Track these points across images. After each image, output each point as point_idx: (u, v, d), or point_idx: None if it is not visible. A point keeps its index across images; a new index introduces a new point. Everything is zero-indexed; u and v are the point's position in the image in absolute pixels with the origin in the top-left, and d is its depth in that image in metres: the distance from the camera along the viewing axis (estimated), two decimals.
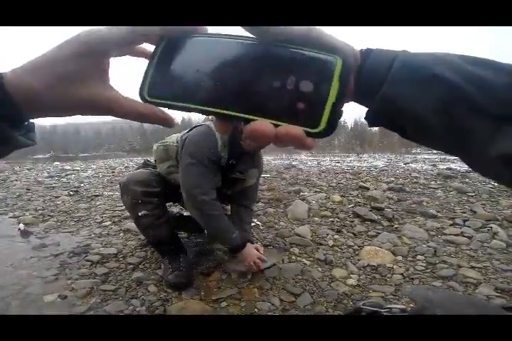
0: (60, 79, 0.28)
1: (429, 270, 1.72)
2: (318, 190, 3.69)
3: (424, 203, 3.04)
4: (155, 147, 1.77)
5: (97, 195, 3.78)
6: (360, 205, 2.87)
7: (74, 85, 0.29)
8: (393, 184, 4.01)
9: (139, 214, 1.57)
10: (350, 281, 1.60)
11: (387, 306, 0.49)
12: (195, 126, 1.68)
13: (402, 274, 1.68)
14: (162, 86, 0.30)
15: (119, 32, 0.29)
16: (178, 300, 1.44)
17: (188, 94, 0.29)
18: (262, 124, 0.26)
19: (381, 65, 0.30)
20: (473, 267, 1.74)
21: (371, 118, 0.32)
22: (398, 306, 0.48)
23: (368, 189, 3.63)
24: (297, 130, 0.26)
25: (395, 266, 1.76)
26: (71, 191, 4.01)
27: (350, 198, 3.20)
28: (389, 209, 2.74)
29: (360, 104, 0.34)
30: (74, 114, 0.32)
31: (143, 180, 1.60)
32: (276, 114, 0.27)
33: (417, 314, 0.43)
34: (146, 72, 0.30)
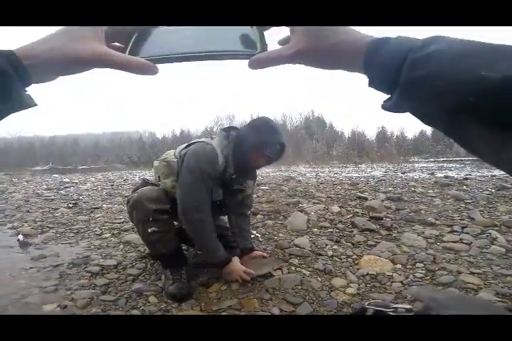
0: (68, 39, 0.38)
1: (428, 277, 1.72)
2: (316, 201, 3.71)
3: (423, 211, 3.05)
4: (157, 163, 1.78)
5: (96, 208, 3.79)
6: (358, 215, 2.89)
7: (77, 44, 0.38)
8: (391, 193, 4.03)
9: (149, 230, 1.57)
10: (350, 290, 1.60)
11: (393, 306, 0.49)
12: (193, 143, 1.69)
13: (401, 282, 1.67)
14: (138, 50, 0.41)
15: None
16: (178, 311, 1.44)
17: (160, 49, 0.41)
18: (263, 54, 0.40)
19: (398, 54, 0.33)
20: (472, 273, 1.74)
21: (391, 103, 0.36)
22: (404, 306, 0.48)
23: (366, 199, 3.65)
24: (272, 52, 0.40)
25: (394, 274, 1.76)
26: (70, 203, 4.02)
27: (349, 209, 3.21)
28: (387, 219, 2.76)
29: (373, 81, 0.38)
30: (77, 68, 0.40)
31: (155, 197, 1.60)
32: (236, 48, 0.41)
33: (423, 314, 0.43)
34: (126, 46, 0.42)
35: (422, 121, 0.35)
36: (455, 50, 0.30)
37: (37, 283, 1.69)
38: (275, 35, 0.47)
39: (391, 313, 0.46)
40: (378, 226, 2.57)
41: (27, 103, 0.37)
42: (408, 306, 0.46)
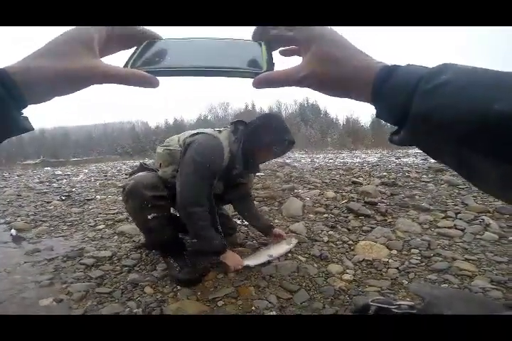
0: (58, 56, 0.35)
1: (424, 263, 1.73)
2: (312, 186, 3.70)
3: (417, 197, 3.06)
4: (160, 150, 1.73)
5: (89, 199, 3.75)
6: (353, 201, 2.89)
7: (69, 60, 0.35)
8: (386, 178, 4.03)
9: (149, 217, 1.56)
10: (346, 276, 1.61)
11: (397, 302, 0.50)
12: (199, 133, 1.64)
13: (397, 268, 1.69)
14: (140, 62, 0.40)
15: (101, 28, 0.39)
16: (174, 301, 1.44)
17: (164, 62, 0.39)
18: (268, 74, 0.38)
19: (409, 82, 0.31)
20: (467, 259, 1.75)
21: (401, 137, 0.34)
22: (407, 302, 0.49)
23: (361, 184, 3.65)
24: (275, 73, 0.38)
25: (390, 260, 1.77)
26: (63, 196, 3.97)
27: (344, 194, 3.21)
28: (382, 204, 2.76)
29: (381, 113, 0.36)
30: (72, 87, 0.37)
31: (151, 183, 1.58)
32: (241, 65, 0.39)
33: (425, 311, 0.44)
34: (130, 58, 0.40)
35: (430, 155, 0.34)
36: (465, 80, 0.28)
37: (32, 278, 1.68)
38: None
39: (395, 310, 0.46)
40: (373, 212, 2.58)
41: (23, 127, 0.35)
42: (411, 303, 0.46)
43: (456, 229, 2.19)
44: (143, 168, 1.80)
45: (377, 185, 3.58)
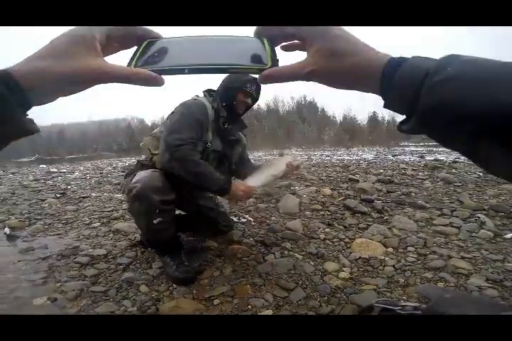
0: (61, 57, 0.35)
1: (420, 261, 1.73)
2: (308, 183, 3.70)
3: (413, 194, 3.07)
4: (144, 140, 1.79)
5: (84, 197, 3.72)
6: (350, 198, 2.89)
7: (71, 61, 0.35)
8: (382, 176, 4.04)
9: (155, 221, 1.51)
10: (343, 274, 1.61)
11: (401, 304, 0.50)
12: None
13: (393, 266, 1.68)
14: (144, 61, 0.39)
15: (101, 27, 0.39)
16: (170, 300, 1.42)
17: (168, 60, 0.39)
18: (271, 70, 0.38)
19: (418, 72, 0.32)
20: (463, 257, 1.75)
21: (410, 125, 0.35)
22: (411, 304, 0.49)
23: (357, 181, 3.66)
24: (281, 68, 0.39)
25: (386, 258, 1.77)
26: (58, 193, 3.93)
27: (341, 191, 3.21)
28: (378, 201, 2.77)
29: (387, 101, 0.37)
30: (75, 87, 0.38)
31: (161, 187, 1.51)
32: (245, 62, 0.39)
33: (431, 311, 0.44)
34: (132, 57, 0.40)
35: (439, 143, 0.35)
36: (471, 72, 0.29)
37: (26, 277, 1.65)
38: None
39: (399, 311, 0.46)
40: (370, 209, 2.58)
41: (29, 129, 0.34)
42: (416, 304, 0.46)
43: (451, 226, 2.20)
44: (142, 165, 1.76)
45: (373, 183, 3.59)
